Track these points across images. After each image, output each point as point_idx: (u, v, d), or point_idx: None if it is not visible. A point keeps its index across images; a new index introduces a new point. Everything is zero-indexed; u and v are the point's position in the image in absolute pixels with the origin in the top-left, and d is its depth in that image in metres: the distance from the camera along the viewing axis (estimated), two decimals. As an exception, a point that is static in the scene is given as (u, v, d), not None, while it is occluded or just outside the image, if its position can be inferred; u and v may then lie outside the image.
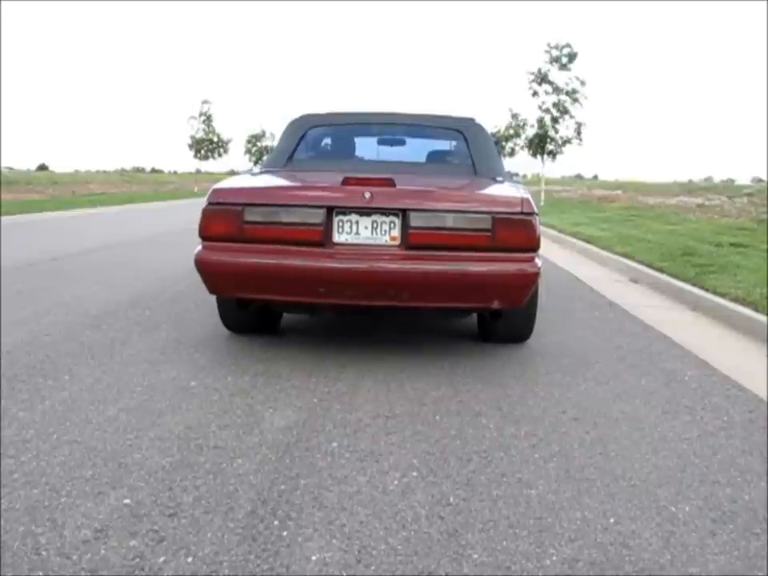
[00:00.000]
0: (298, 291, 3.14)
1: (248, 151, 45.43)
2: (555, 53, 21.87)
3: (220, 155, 36.21)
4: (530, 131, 23.39)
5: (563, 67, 21.90)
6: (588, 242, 9.07)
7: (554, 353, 3.58)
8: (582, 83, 21.85)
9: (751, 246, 7.87)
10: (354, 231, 3.10)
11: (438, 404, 2.73)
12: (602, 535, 1.77)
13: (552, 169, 27.36)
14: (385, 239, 3.10)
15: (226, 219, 3.15)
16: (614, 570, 1.63)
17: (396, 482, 2.04)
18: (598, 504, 1.94)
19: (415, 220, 3.05)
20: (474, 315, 3.88)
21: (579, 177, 68.36)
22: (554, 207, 19.08)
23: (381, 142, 4.63)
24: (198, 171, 38.60)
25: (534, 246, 3.12)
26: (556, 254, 8.73)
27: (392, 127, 4.42)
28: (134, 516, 1.80)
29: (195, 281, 5.43)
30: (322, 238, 3.07)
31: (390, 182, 3.09)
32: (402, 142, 4.60)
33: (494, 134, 33.06)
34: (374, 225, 3.10)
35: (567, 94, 21.93)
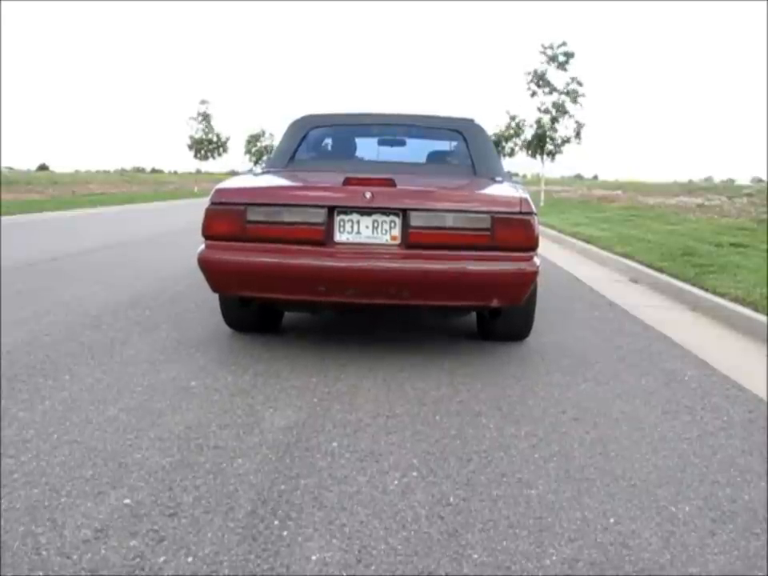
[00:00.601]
0: (300, 290, 3.18)
1: (248, 151, 45.44)
2: (551, 52, 21.88)
3: (220, 155, 36.21)
4: (529, 132, 23.39)
5: (560, 66, 21.91)
6: (588, 242, 9.08)
7: (554, 353, 3.58)
8: (580, 84, 21.85)
9: (751, 246, 7.87)
10: (354, 230, 3.15)
11: (438, 404, 2.73)
12: (602, 535, 1.77)
13: (552, 169, 27.38)
14: (385, 238, 3.15)
15: (228, 219, 3.20)
16: (614, 570, 1.63)
17: (396, 482, 2.04)
18: (598, 504, 1.94)
19: (415, 219, 3.10)
20: (473, 314, 3.91)
21: (579, 177, 68.35)
22: (554, 207, 19.08)
23: (381, 143, 4.69)
24: (198, 171, 38.61)
25: (532, 246, 3.17)
26: (556, 254, 8.73)
27: (392, 128, 4.47)
28: (134, 516, 1.80)
29: (195, 281, 5.44)
30: (323, 238, 3.12)
31: (391, 182, 3.14)
32: (403, 143, 4.66)
33: (494, 134, 33.17)
34: (375, 224, 3.15)
35: (566, 93, 21.93)
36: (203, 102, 35.30)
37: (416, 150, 4.54)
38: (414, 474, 2.10)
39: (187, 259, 6.94)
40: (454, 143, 4.46)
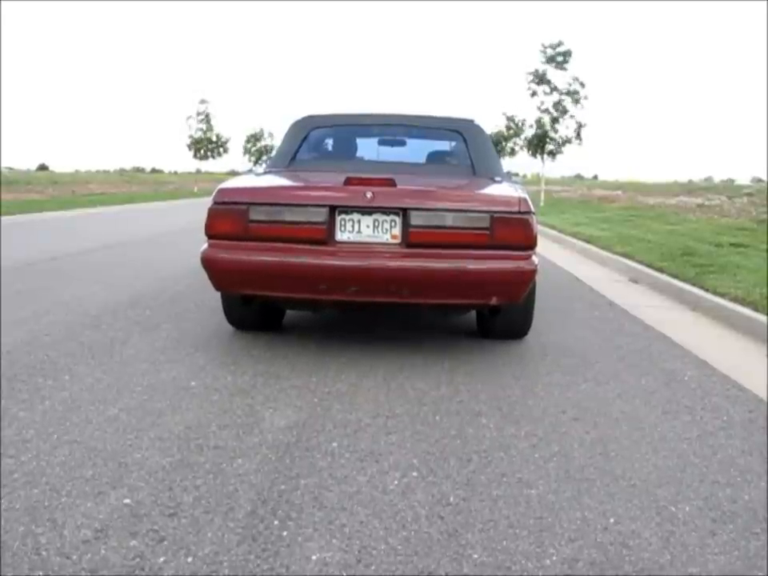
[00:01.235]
0: (302, 288, 3.23)
1: (247, 151, 45.42)
2: (550, 52, 21.90)
3: (219, 155, 36.16)
4: (530, 132, 23.40)
5: (559, 66, 21.91)
6: (588, 241, 9.07)
7: (554, 353, 3.58)
8: (582, 84, 21.86)
9: (751, 246, 7.87)
10: (355, 230, 3.19)
11: (438, 404, 2.73)
12: (602, 535, 1.77)
13: (552, 169, 27.40)
14: (386, 237, 3.18)
15: (231, 218, 3.24)
16: (613, 570, 1.63)
17: (396, 482, 2.04)
18: (598, 504, 1.94)
19: (415, 219, 3.14)
20: (473, 312, 3.92)
21: (579, 177, 68.35)
22: (554, 207, 19.08)
23: (381, 143, 4.72)
24: (198, 171, 38.58)
25: (531, 244, 3.20)
26: (556, 253, 8.73)
27: (392, 128, 4.50)
28: (134, 516, 1.80)
29: (195, 281, 5.45)
30: (324, 237, 3.16)
31: (391, 182, 3.18)
32: (403, 143, 4.70)
33: (494, 134, 33.23)
34: (376, 223, 3.18)
35: (567, 94, 21.94)
36: (202, 101, 35.22)
37: (416, 149, 4.57)
38: (414, 474, 2.10)
39: (187, 259, 6.94)
40: (454, 143, 4.49)
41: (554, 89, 22.09)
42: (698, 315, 4.79)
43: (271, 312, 3.81)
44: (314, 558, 1.64)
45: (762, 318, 4.14)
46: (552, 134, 22.59)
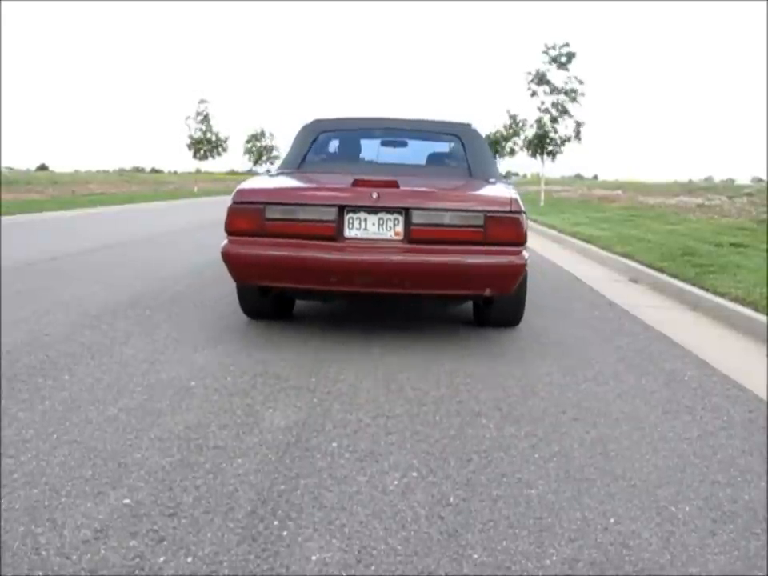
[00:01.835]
0: (314, 280, 3.49)
1: (247, 151, 45.37)
2: (554, 52, 21.89)
3: (219, 155, 36.07)
4: (530, 131, 23.39)
5: (562, 66, 21.91)
6: (588, 241, 9.07)
7: (554, 353, 3.58)
8: (581, 83, 21.86)
9: (751, 245, 7.87)
10: (362, 227, 3.45)
11: (438, 404, 2.73)
12: (602, 535, 1.77)
13: (552, 169, 27.42)
14: (390, 234, 3.45)
15: (248, 216, 3.51)
16: (614, 570, 1.63)
17: (396, 482, 2.04)
18: (598, 504, 1.94)
19: (416, 217, 3.40)
20: (470, 303, 4.18)
21: (579, 177, 68.36)
22: (554, 207, 19.07)
23: (384, 144, 4.94)
24: (198, 171, 38.54)
25: (521, 241, 3.48)
26: (556, 253, 8.73)
27: (395, 131, 4.77)
28: (134, 516, 1.80)
29: (195, 281, 5.45)
30: (334, 233, 3.42)
31: (395, 184, 3.46)
32: (405, 145, 4.95)
33: (493, 134, 33.35)
34: (380, 221, 3.45)
35: (566, 93, 21.93)
36: (202, 101, 35.11)
37: (417, 151, 4.81)
38: (414, 474, 2.10)
39: (187, 259, 6.94)
40: (452, 146, 4.73)
41: (555, 89, 22.08)
42: (698, 315, 4.79)
43: (283, 302, 4.08)
44: (313, 558, 1.64)
45: (762, 317, 4.14)
46: (552, 134, 22.58)
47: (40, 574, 1.54)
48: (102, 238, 9.15)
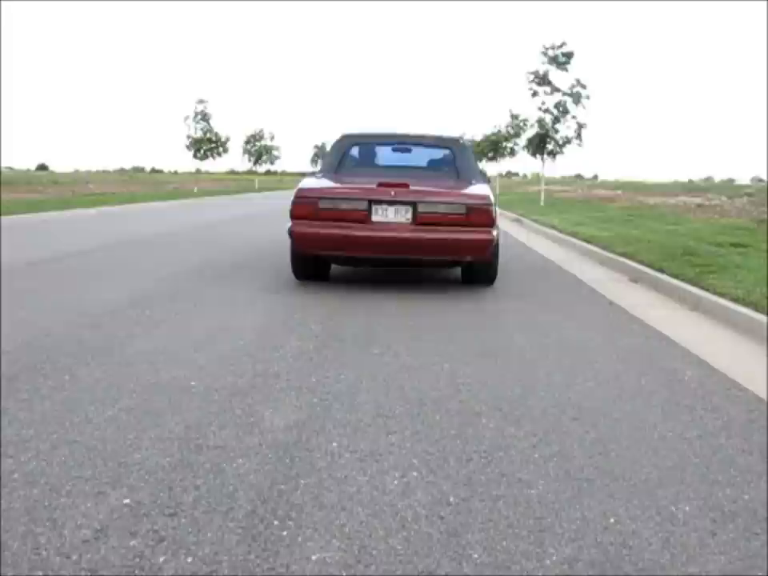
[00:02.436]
0: (350, 249, 5.21)
1: (247, 151, 45.35)
2: (552, 53, 21.86)
3: (219, 155, 36.01)
4: (531, 131, 23.37)
5: (561, 66, 21.88)
6: (588, 242, 9.07)
7: (554, 352, 3.58)
8: (583, 86, 21.82)
9: (751, 245, 7.86)
10: (384, 214, 5.14)
11: (438, 404, 2.73)
12: (601, 535, 1.77)
13: (552, 169, 27.40)
14: (402, 219, 5.14)
15: (307, 207, 5.17)
16: (613, 570, 1.63)
17: (396, 482, 2.04)
18: (598, 504, 1.94)
19: (421, 208, 5.11)
20: (458, 269, 5.84)
21: (579, 177, 68.38)
22: (554, 207, 19.07)
23: (396, 150, 6.57)
24: (198, 171, 38.50)
25: (491, 224, 5.17)
26: (556, 253, 8.73)
27: (404, 143, 6.42)
28: (134, 516, 1.80)
29: (195, 281, 5.45)
30: (365, 218, 5.13)
31: (407, 185, 5.17)
32: (410, 151, 6.48)
33: (494, 134, 33.61)
34: (396, 210, 5.13)
35: (569, 94, 21.90)
36: (201, 101, 35.01)
37: (420, 156, 6.39)
38: (414, 473, 2.10)
39: (187, 260, 6.94)
40: (446, 152, 6.25)
41: (555, 89, 22.06)
42: (698, 315, 4.79)
43: (322, 268, 5.62)
44: (313, 558, 1.64)
45: (762, 317, 4.13)
46: (552, 134, 22.56)
47: (40, 573, 1.54)
48: (103, 238, 9.15)
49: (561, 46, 21.76)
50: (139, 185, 37.83)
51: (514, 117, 25.94)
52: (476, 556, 1.66)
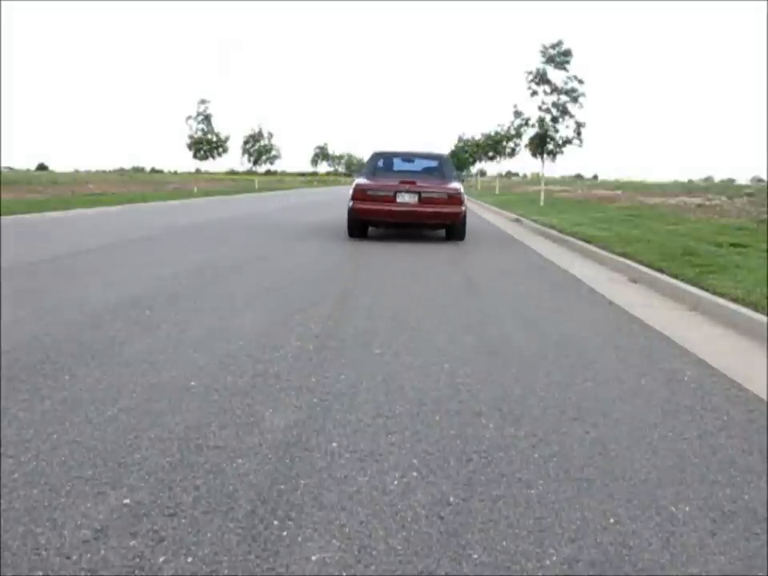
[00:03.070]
0: (384, 217, 9.68)
1: (246, 151, 45.29)
2: (550, 52, 21.84)
3: (219, 155, 35.98)
4: (531, 131, 23.35)
5: (559, 66, 21.86)
6: (588, 242, 9.07)
7: (554, 352, 3.58)
8: (581, 82, 21.81)
9: (751, 246, 7.86)
10: (403, 198, 9.47)
11: (438, 404, 2.73)
12: (601, 535, 1.77)
13: (552, 169, 27.41)
14: (413, 201, 9.48)
15: (362, 194, 9.56)
16: (613, 570, 1.63)
17: (396, 482, 2.04)
18: (598, 504, 1.94)
19: (424, 195, 9.49)
20: (443, 231, 10.30)
21: (579, 177, 68.38)
22: (554, 207, 19.08)
23: (405, 161, 11.11)
24: (198, 171, 38.48)
25: (461, 203, 9.59)
26: (556, 253, 8.73)
27: (410, 157, 11.10)
28: (134, 516, 1.80)
29: (196, 282, 5.45)
30: (392, 200, 9.48)
31: (415, 182, 9.64)
32: (413, 161, 11.07)
33: (496, 134, 34.21)
34: (410, 196, 9.47)
35: (566, 93, 21.88)
36: (202, 101, 34.98)
37: (420, 165, 10.96)
38: (414, 473, 2.10)
39: (187, 261, 6.93)
40: (435, 163, 10.86)
41: (555, 89, 22.04)
42: (698, 315, 4.79)
43: (364, 229, 10.01)
44: (313, 558, 1.64)
45: (761, 318, 4.13)
46: (552, 134, 22.54)
47: (40, 573, 1.54)
48: (103, 238, 9.16)
49: (557, 45, 21.74)
50: (139, 185, 37.79)
51: (518, 114, 25.84)
52: (476, 556, 1.66)
